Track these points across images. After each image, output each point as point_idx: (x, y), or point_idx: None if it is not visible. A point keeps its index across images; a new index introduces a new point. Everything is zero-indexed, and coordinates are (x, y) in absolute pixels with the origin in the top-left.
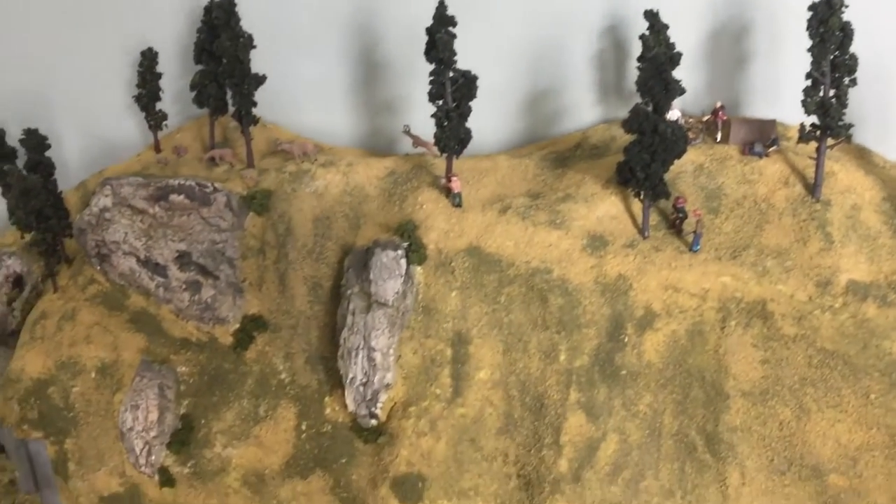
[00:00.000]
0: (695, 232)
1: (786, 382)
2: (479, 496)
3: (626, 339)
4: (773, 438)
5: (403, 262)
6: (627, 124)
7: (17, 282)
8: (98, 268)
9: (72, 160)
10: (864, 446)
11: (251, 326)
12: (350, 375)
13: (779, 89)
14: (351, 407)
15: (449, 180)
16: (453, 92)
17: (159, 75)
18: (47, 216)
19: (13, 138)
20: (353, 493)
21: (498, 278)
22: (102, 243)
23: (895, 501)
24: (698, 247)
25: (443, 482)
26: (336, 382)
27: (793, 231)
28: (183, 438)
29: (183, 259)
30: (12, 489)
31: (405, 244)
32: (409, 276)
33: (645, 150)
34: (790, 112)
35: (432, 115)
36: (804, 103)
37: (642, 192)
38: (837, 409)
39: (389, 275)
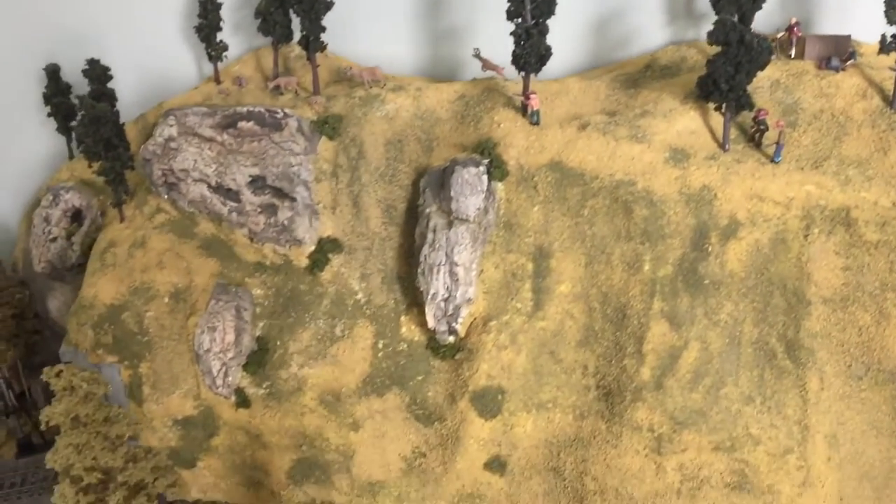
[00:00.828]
0: (777, 143)
1: (867, 288)
2: (558, 407)
3: (709, 249)
4: (851, 344)
5: (485, 178)
6: (713, 36)
7: (76, 216)
8: (166, 197)
9: (126, 95)
10: None
11: (328, 247)
12: (431, 291)
13: (851, 6)
14: (431, 323)
15: (527, 98)
16: (532, 9)
17: (219, 5)
18: (115, 145)
19: (67, 75)
20: (428, 409)
21: (581, 192)
22: (170, 172)
23: None
24: (780, 158)
25: (522, 395)
26: (412, 301)
27: (872, 142)
28: (259, 359)
29: (256, 183)
30: (105, 403)
31: (486, 161)
32: (490, 192)
33: (729, 62)
34: (862, 29)
35: (511, 34)
36: (887, 13)
37: (724, 105)
38: None
39: (471, 191)
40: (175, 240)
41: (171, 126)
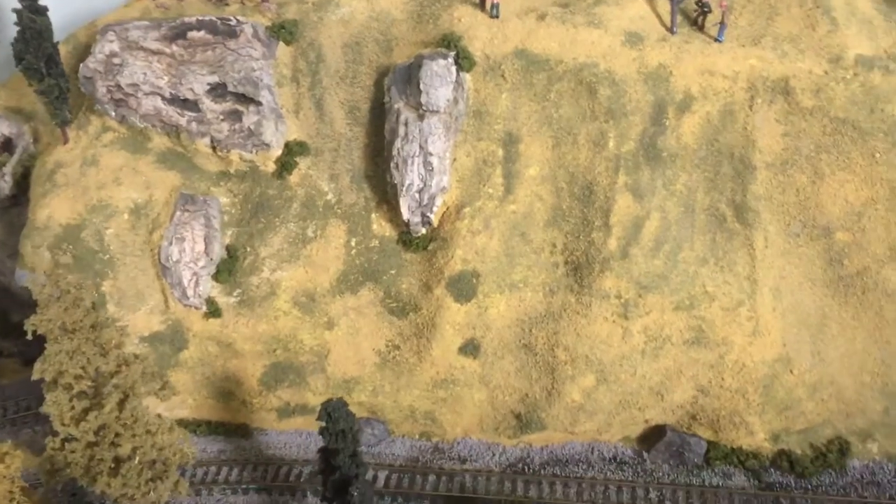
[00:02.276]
0: (721, 23)
1: (803, 152)
2: (529, 286)
3: (667, 123)
4: (790, 204)
5: (454, 69)
6: None
7: (6, 145)
8: (113, 114)
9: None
10: (868, 202)
11: (295, 150)
12: (406, 183)
13: None
14: (405, 215)
15: None
16: None
17: None
18: (57, 61)
19: None
20: (402, 301)
21: (547, 77)
22: (117, 88)
23: (892, 251)
24: (723, 37)
25: (495, 277)
26: (381, 199)
27: (801, 19)
28: (229, 267)
29: (217, 91)
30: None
31: (453, 53)
32: (459, 83)
33: None
34: None
35: None
36: None
37: None
38: (847, 170)
39: (441, 83)
40: (129, 156)
41: (112, 42)
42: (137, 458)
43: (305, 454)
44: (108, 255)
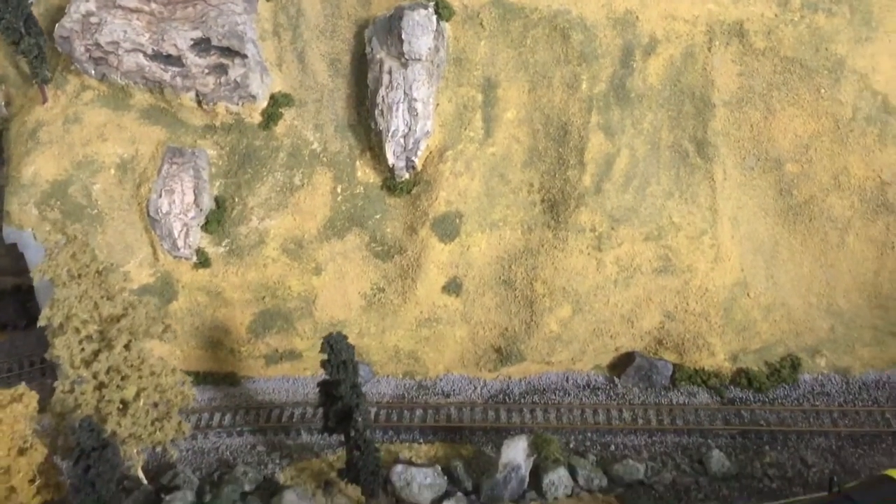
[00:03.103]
0: None
1: (756, 90)
2: (508, 225)
3: (634, 66)
4: (745, 139)
5: (434, 18)
6: None
7: None
8: (93, 72)
9: None
10: (814, 134)
11: (281, 101)
12: (392, 129)
13: None
14: (391, 160)
15: None
16: None
17: None
18: (35, 21)
19: None
20: (387, 244)
21: (523, 24)
22: (96, 46)
23: (836, 180)
24: None
25: (477, 216)
26: (365, 147)
27: None
28: (218, 218)
29: (201, 46)
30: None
31: (433, 3)
32: (439, 31)
33: None
34: None
35: None
36: None
37: None
38: (795, 106)
39: (422, 31)
40: (111, 113)
41: (87, 1)
42: (142, 400)
43: (294, 398)
44: (95, 210)
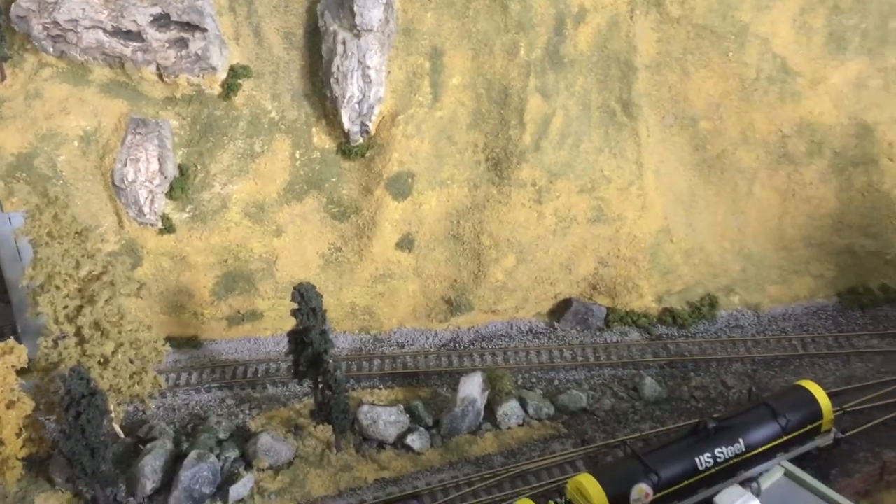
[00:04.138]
0: None
1: (673, 54)
2: (455, 183)
3: (566, 33)
4: (665, 99)
5: None
6: None
7: None
8: (51, 50)
9: None
10: (724, 94)
11: (240, 73)
12: (347, 95)
13: None
14: (346, 125)
15: None
16: None
17: None
18: None
19: None
20: (343, 205)
21: None
22: (54, 24)
23: (743, 135)
24: None
25: (427, 175)
26: (320, 115)
27: None
28: (182, 185)
29: (160, 21)
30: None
31: None
32: (389, 4)
33: None
34: None
35: None
36: None
37: None
38: (707, 68)
39: (374, 4)
40: (72, 88)
41: None
42: (120, 355)
43: (257, 356)
44: (61, 181)
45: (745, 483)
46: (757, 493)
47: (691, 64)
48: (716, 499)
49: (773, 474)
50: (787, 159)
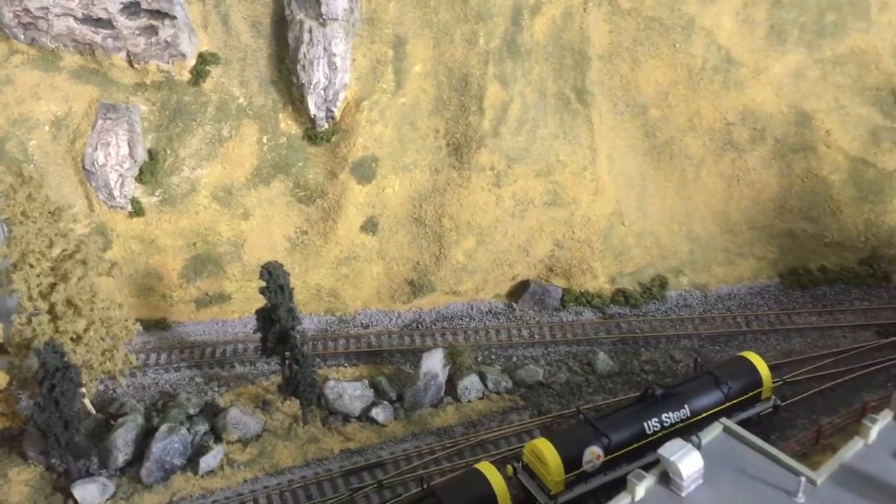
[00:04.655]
0: None
1: (624, 45)
2: (418, 167)
3: (523, 24)
4: (616, 88)
5: None
6: None
7: None
8: (22, 37)
9: None
10: (672, 83)
11: (208, 59)
12: (313, 81)
13: None
14: (312, 110)
15: None
16: None
17: None
18: None
19: None
20: (309, 190)
21: None
22: (25, 12)
23: (690, 122)
24: None
25: (390, 160)
26: (287, 101)
27: None
28: (151, 169)
29: (131, 9)
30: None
31: None
32: None
33: None
34: None
35: None
36: None
37: None
38: (656, 58)
39: None
40: (43, 74)
41: None
42: (92, 332)
43: (225, 337)
44: (32, 165)
45: (686, 438)
46: (698, 447)
47: (641, 54)
48: (659, 450)
49: (713, 430)
50: (732, 146)
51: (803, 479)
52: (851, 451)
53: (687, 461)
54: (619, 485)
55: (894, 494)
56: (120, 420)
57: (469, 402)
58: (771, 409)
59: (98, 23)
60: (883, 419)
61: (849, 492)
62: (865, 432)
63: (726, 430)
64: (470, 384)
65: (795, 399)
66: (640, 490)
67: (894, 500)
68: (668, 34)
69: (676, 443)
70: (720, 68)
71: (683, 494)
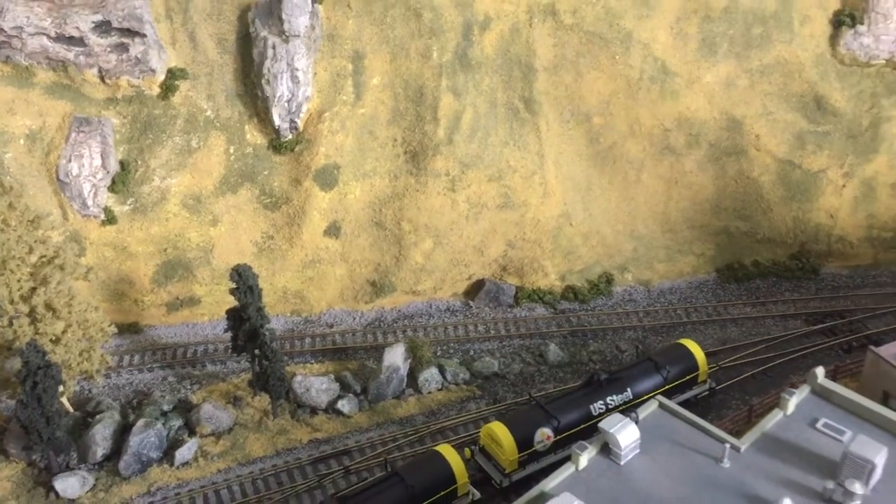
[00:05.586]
0: None
1: (568, 57)
2: (377, 174)
3: (473, 39)
4: (562, 98)
5: (310, 1)
6: None
7: None
8: None
9: None
10: (613, 93)
11: (177, 74)
12: (277, 94)
13: None
14: (277, 122)
15: None
16: None
17: None
18: None
19: None
20: (275, 196)
21: (383, 4)
22: None
23: (630, 129)
24: None
25: (351, 168)
26: (252, 113)
27: None
28: (123, 179)
29: (102, 28)
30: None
31: None
32: (314, 12)
33: None
34: None
35: None
36: None
37: None
38: (598, 70)
39: (300, 12)
40: (17, 90)
41: None
42: (70, 333)
43: (196, 339)
44: (8, 177)
45: (626, 414)
46: (636, 421)
47: (584, 66)
48: (600, 424)
49: (650, 406)
50: (670, 150)
51: (728, 446)
52: (772, 421)
53: (625, 433)
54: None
55: (808, 458)
56: (97, 417)
57: (429, 392)
58: (707, 392)
59: (70, 41)
60: (800, 393)
61: (769, 457)
62: (784, 404)
63: (662, 406)
64: (430, 376)
65: (730, 382)
66: (584, 460)
67: (808, 464)
68: (608, 47)
69: (616, 417)
70: (657, 78)
71: (622, 463)
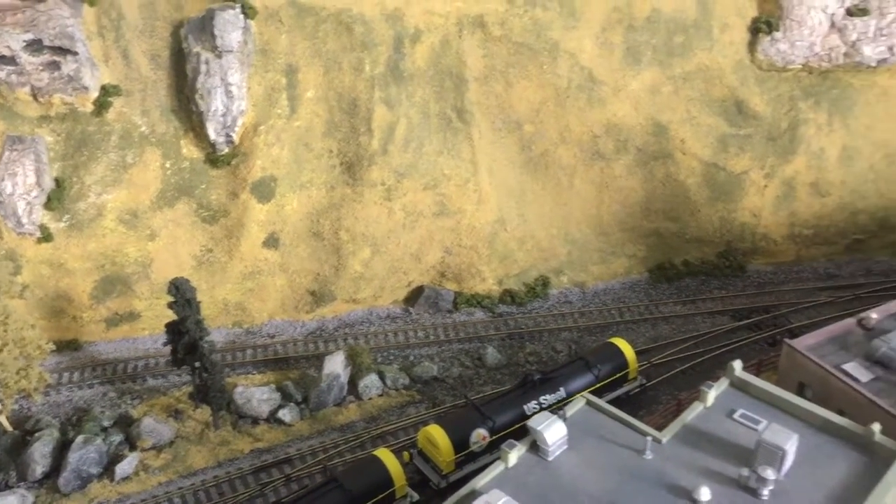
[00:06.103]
0: None
1: (497, 68)
2: (314, 185)
3: (405, 51)
4: (493, 107)
5: (242, 17)
6: None
7: None
8: None
9: None
10: (542, 101)
11: (110, 91)
12: (212, 109)
13: None
14: (212, 136)
15: None
16: None
17: None
18: None
19: None
20: (213, 210)
21: (315, 19)
22: None
23: (561, 136)
24: None
25: (288, 180)
26: (188, 128)
27: None
28: (58, 196)
29: (33, 47)
30: None
31: (239, 4)
32: (246, 27)
33: None
34: None
35: None
36: None
37: None
38: (527, 79)
39: (232, 28)
40: None
41: None
42: (6, 352)
43: (136, 354)
44: None
45: (554, 411)
46: (563, 418)
47: (513, 76)
48: (528, 422)
49: (577, 404)
50: (600, 156)
51: (649, 438)
52: (692, 413)
53: (552, 430)
54: None
55: (726, 448)
56: (36, 435)
57: (370, 399)
58: (638, 388)
59: (2, 60)
60: (719, 386)
61: (689, 448)
62: (704, 397)
63: (589, 403)
64: (370, 383)
65: (661, 378)
66: (513, 457)
67: (726, 453)
68: (536, 57)
69: (543, 415)
70: (584, 87)
71: (550, 459)
